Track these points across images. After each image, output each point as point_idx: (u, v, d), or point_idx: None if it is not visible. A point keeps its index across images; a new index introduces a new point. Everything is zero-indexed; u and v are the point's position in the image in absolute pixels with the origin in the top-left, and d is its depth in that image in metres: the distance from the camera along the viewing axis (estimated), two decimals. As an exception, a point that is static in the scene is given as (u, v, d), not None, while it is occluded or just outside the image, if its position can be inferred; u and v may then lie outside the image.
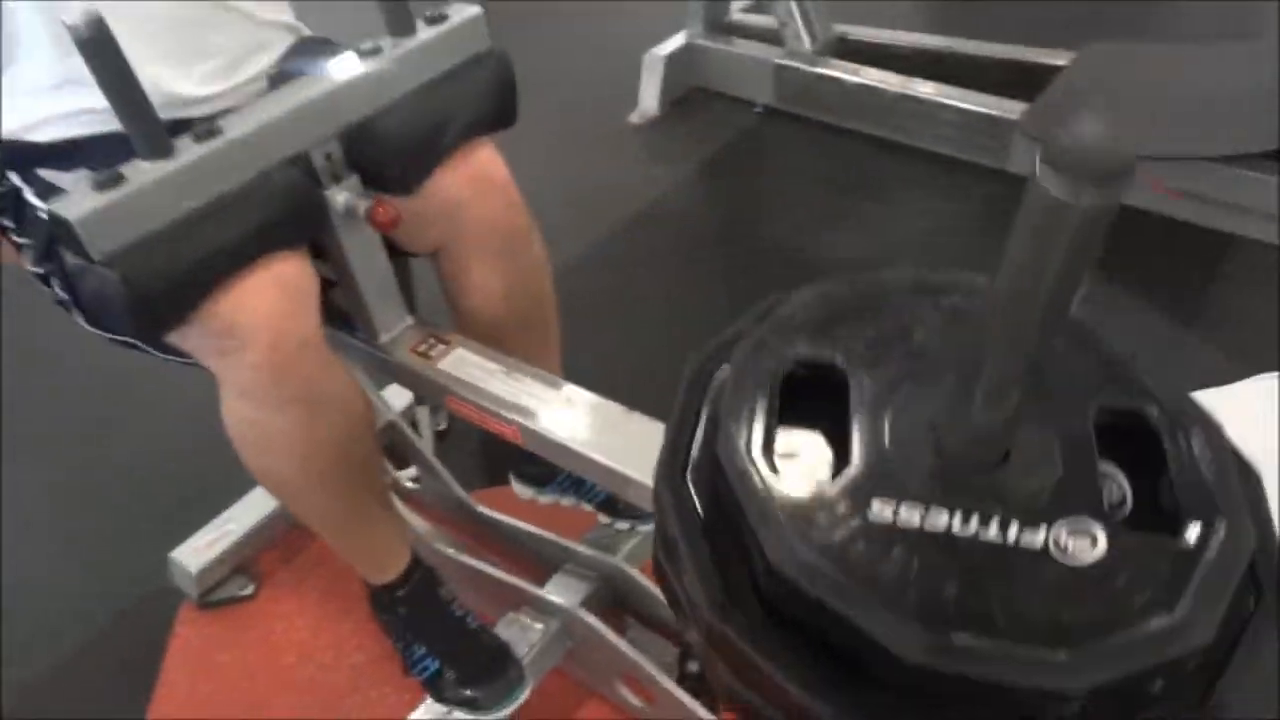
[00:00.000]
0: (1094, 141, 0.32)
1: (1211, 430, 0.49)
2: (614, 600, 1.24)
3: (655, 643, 1.22)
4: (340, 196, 0.98)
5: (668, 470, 0.51)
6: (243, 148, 0.89)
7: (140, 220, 0.83)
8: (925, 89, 2.16)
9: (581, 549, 1.23)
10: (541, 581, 1.23)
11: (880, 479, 0.46)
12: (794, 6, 2.31)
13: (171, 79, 1.00)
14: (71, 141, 0.99)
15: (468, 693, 1.14)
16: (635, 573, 1.18)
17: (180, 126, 0.90)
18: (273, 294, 0.91)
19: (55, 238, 0.88)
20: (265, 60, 1.10)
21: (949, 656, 0.40)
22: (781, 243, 2.08)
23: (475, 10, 1.04)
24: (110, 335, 1.01)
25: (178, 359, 1.01)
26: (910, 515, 0.44)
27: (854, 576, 0.42)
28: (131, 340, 1.01)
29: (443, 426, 1.58)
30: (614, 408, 1.00)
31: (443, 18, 1.02)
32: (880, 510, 0.44)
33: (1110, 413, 0.49)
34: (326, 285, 1.04)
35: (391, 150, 0.99)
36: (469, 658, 1.16)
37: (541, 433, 0.98)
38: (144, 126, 0.83)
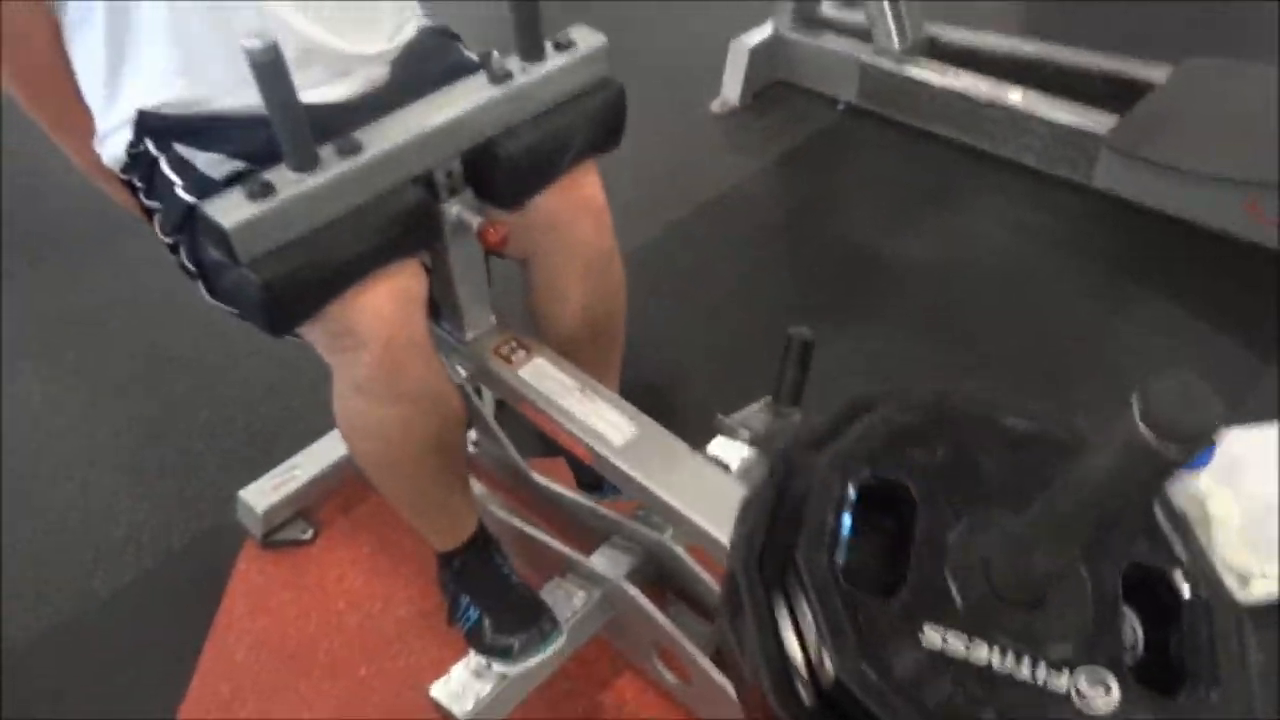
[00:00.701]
0: (1187, 415, 0.39)
1: (1225, 598, 0.55)
2: (658, 576, 1.27)
3: (695, 623, 1.24)
4: (454, 210, 1.02)
5: (744, 556, 0.55)
6: (379, 164, 0.93)
7: (283, 228, 0.88)
8: (1014, 97, 2.12)
9: (630, 523, 1.26)
10: (588, 551, 1.26)
11: (934, 604, 0.52)
12: (885, 4, 2.29)
13: (324, 36, 1.03)
14: (206, 118, 1.02)
15: (504, 640, 1.18)
16: (681, 550, 1.20)
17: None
18: (390, 300, 0.96)
19: (199, 228, 0.92)
20: (390, 40, 1.11)
21: None
22: (855, 242, 2.07)
23: (600, 40, 1.05)
24: (229, 309, 1.05)
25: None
26: (956, 645, 0.50)
27: (905, 697, 0.48)
28: (237, 312, 1.05)
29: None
30: (682, 446, 1.06)
31: (570, 44, 1.04)
32: (931, 636, 0.50)
33: (1140, 568, 0.55)
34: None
35: (509, 170, 1.02)
36: (508, 610, 1.20)
37: (613, 462, 1.04)
38: (298, 143, 0.87)
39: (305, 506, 1.55)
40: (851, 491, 0.56)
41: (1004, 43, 2.33)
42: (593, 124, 1.08)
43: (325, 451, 1.55)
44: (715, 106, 2.47)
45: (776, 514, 0.57)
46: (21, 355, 1.92)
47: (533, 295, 1.21)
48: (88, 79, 1.04)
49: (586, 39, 1.06)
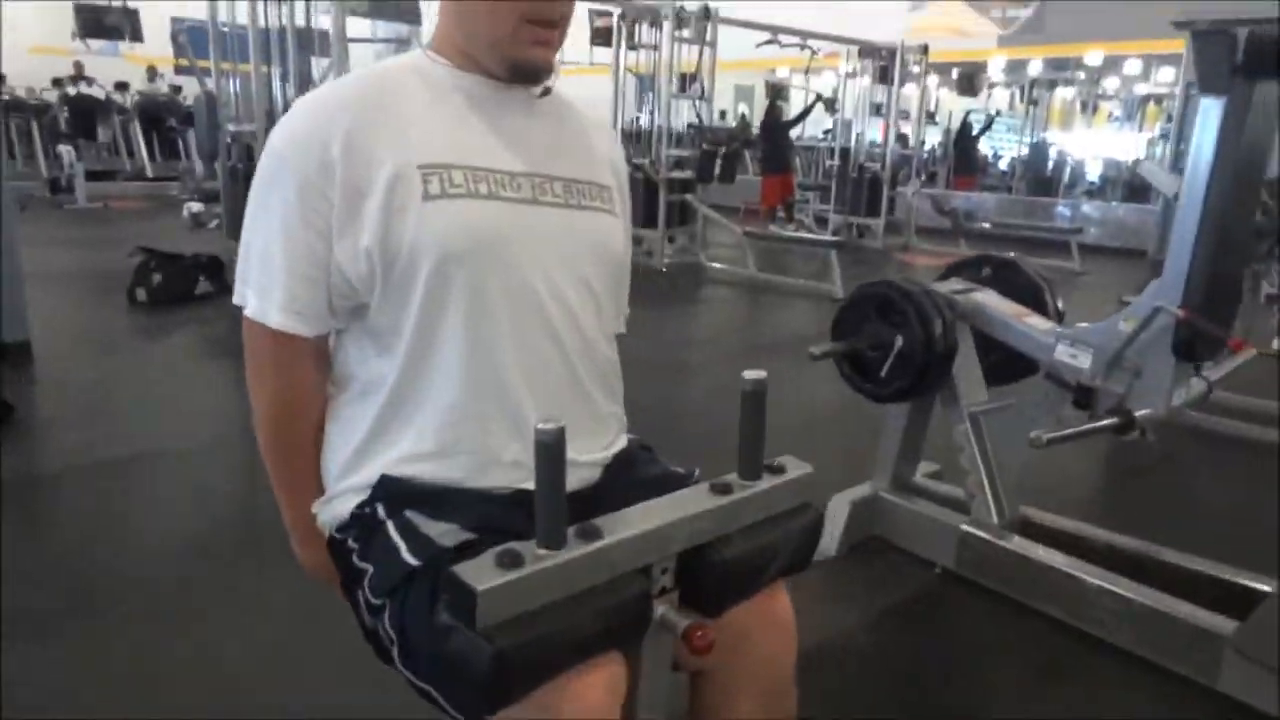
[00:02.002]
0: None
1: None
2: None
3: None
4: (661, 609, 1.02)
5: None
6: (615, 550, 0.95)
7: (523, 601, 0.88)
8: (1125, 586, 2.14)
9: None
10: None
11: None
12: (984, 480, 2.43)
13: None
14: (443, 490, 1.07)
15: None
16: None
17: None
18: (602, 693, 0.93)
19: (425, 593, 0.95)
20: (606, 449, 1.21)
21: None
22: (962, 714, 1.97)
23: (807, 469, 1.14)
24: (413, 676, 1.02)
25: None
26: None
27: None
28: (432, 690, 1.01)
29: None
30: None
31: (782, 469, 1.12)
32: None
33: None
34: None
35: (719, 575, 1.04)
36: None
37: None
38: (555, 522, 0.90)
39: None
40: None
41: (1100, 534, 2.42)
42: (793, 543, 1.11)
43: None
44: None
45: None
46: None
47: (700, 712, 1.15)
48: (341, 440, 1.12)
49: (796, 466, 1.13)
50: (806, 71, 10.49)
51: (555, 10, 1.07)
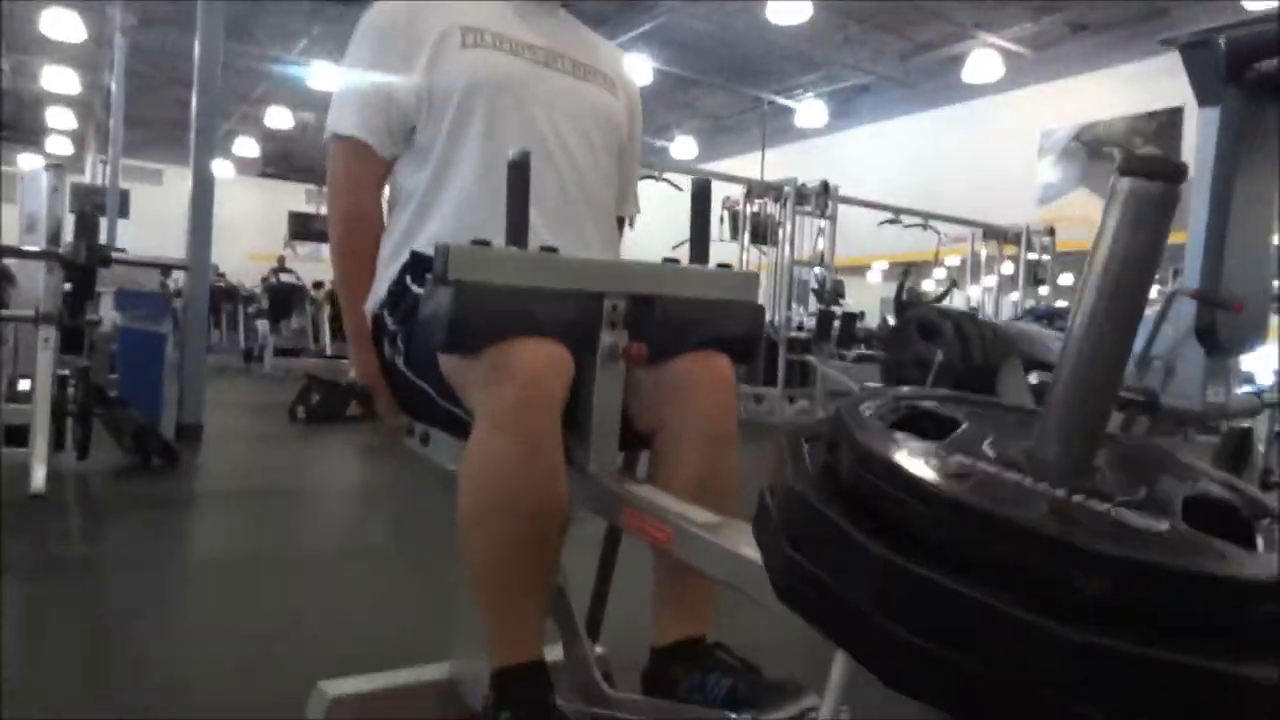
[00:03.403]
0: None
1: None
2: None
3: None
4: (608, 339, 1.26)
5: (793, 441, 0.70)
6: (567, 266, 1.23)
7: (486, 271, 1.16)
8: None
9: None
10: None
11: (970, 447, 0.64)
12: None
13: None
14: None
15: None
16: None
17: None
18: (544, 353, 1.16)
19: (427, 270, 1.21)
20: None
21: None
22: None
23: (754, 272, 1.40)
24: (415, 376, 1.31)
25: (447, 411, 1.28)
26: (983, 466, 0.60)
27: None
28: (426, 387, 1.30)
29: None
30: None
31: (729, 266, 1.37)
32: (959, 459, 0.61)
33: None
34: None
35: (661, 320, 1.28)
36: None
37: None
38: (520, 226, 1.18)
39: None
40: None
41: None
42: (731, 322, 1.33)
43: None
44: None
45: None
46: None
47: (656, 471, 1.32)
48: (387, 241, 1.45)
49: (743, 270, 1.37)
50: (936, 257, 10.87)
51: None
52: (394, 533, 3.45)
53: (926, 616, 0.48)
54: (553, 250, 1.22)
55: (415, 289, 1.36)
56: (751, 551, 0.89)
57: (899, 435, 0.61)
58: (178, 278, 7.78)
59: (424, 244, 1.40)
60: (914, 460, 0.56)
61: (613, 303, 1.26)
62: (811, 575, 0.56)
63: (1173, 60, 2.33)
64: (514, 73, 1.44)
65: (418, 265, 1.38)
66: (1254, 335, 2.24)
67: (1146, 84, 10.63)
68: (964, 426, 0.66)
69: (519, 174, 1.19)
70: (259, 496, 3.76)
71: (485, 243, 1.17)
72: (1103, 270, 0.55)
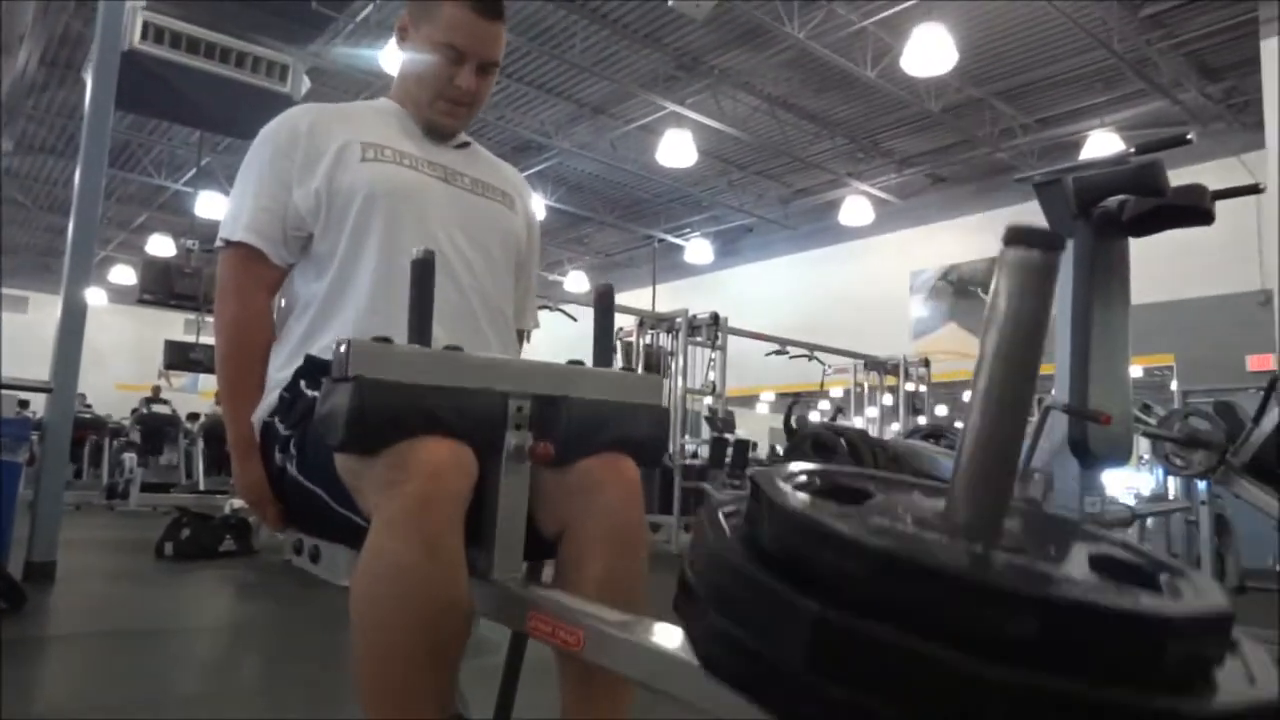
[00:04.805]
0: None
1: None
2: None
3: None
4: (514, 439, 1.25)
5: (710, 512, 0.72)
6: (472, 365, 1.21)
7: (386, 368, 1.13)
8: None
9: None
10: None
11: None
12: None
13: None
14: None
15: None
16: None
17: None
18: (444, 452, 1.13)
19: (324, 374, 1.18)
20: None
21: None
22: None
23: (657, 378, 1.42)
24: (308, 482, 1.25)
25: (344, 519, 1.23)
26: (897, 525, 0.63)
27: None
28: (320, 492, 1.24)
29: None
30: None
31: (631, 370, 1.40)
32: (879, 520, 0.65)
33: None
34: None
35: (563, 424, 1.27)
36: None
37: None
38: (424, 326, 1.17)
39: None
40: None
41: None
42: (636, 425, 1.34)
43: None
44: None
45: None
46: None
47: (559, 577, 1.29)
48: (279, 348, 1.42)
49: (649, 375, 1.39)
50: (821, 387, 11.27)
51: (464, 95, 1.52)
52: (269, 673, 3.20)
53: (857, 668, 0.47)
54: (457, 349, 1.21)
55: (310, 393, 1.32)
56: (670, 644, 0.86)
57: (817, 500, 0.62)
58: (36, 409, 7.31)
59: (321, 350, 1.37)
60: (837, 520, 0.56)
61: (518, 403, 1.25)
62: (738, 640, 0.54)
63: (1024, 210, 2.56)
64: (413, 185, 1.46)
65: (313, 370, 1.34)
66: (1120, 448, 2.40)
67: (999, 230, 11.59)
68: (876, 496, 0.67)
69: (424, 270, 1.18)
70: (118, 638, 3.44)
71: (387, 340, 1.15)
72: (998, 331, 0.58)
